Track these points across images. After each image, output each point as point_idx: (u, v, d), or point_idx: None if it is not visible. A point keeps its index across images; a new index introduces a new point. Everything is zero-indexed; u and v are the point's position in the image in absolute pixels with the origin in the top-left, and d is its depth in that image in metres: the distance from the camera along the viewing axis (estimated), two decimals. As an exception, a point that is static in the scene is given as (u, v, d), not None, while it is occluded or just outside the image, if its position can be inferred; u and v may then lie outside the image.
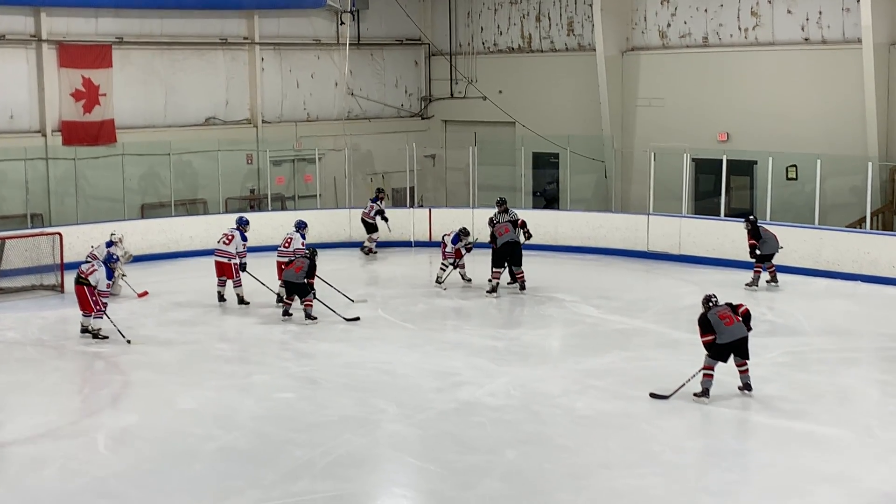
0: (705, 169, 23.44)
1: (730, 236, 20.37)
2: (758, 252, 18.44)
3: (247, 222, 18.23)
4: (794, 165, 21.97)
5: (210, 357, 15.23)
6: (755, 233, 18.50)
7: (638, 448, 11.15)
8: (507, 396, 12.94)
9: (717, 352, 12.38)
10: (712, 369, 12.41)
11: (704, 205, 23.25)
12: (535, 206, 25.74)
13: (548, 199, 26.54)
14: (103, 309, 15.72)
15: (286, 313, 16.80)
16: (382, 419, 12.14)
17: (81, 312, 15.84)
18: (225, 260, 17.77)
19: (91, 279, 15.63)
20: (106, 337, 15.61)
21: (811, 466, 10.59)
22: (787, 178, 22.08)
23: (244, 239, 17.91)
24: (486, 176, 24.78)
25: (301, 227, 18.29)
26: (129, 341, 15.46)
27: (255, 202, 25.28)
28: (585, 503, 9.78)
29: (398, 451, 11.34)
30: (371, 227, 22.74)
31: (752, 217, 18.87)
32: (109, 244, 17.93)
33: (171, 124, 24.65)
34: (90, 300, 15.64)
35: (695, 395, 12.38)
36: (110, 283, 16.13)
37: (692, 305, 17.41)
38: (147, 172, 24.04)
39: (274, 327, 16.47)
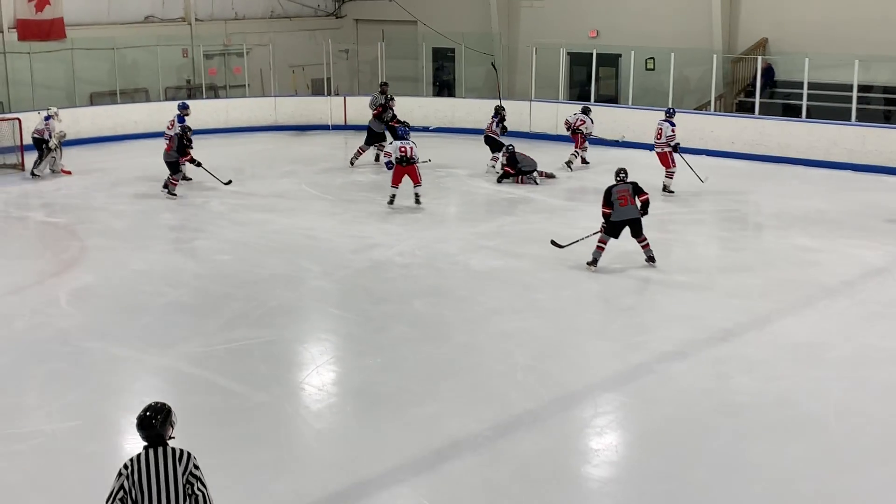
0: (578, 61, 23.32)
1: (598, 119, 20.33)
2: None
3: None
4: (653, 58, 21.99)
5: (157, 225, 14.88)
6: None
7: (523, 297, 11.25)
8: (413, 256, 12.93)
9: (611, 227, 11.88)
10: (605, 243, 11.92)
11: (577, 92, 23.25)
12: (435, 94, 25.46)
13: (445, 87, 26.27)
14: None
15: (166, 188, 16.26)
16: (307, 276, 12.07)
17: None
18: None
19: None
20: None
21: (665, 308, 10.84)
22: (647, 69, 22.12)
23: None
24: (392, 69, 24.29)
25: (181, 107, 17.34)
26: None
27: (192, 91, 24.50)
28: (480, 342, 9.87)
29: (321, 302, 11.31)
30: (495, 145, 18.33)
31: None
32: (48, 118, 17.32)
33: (113, 21, 23.52)
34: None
35: (587, 263, 11.95)
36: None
37: (566, 177, 17.63)
38: (94, 65, 23.03)
39: (212, 200, 16.10)
